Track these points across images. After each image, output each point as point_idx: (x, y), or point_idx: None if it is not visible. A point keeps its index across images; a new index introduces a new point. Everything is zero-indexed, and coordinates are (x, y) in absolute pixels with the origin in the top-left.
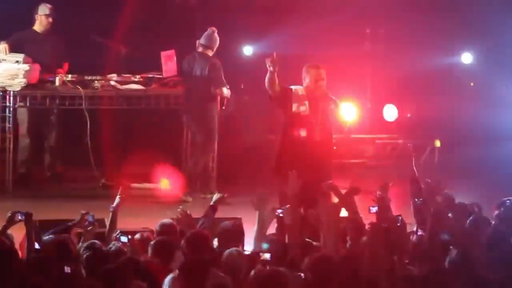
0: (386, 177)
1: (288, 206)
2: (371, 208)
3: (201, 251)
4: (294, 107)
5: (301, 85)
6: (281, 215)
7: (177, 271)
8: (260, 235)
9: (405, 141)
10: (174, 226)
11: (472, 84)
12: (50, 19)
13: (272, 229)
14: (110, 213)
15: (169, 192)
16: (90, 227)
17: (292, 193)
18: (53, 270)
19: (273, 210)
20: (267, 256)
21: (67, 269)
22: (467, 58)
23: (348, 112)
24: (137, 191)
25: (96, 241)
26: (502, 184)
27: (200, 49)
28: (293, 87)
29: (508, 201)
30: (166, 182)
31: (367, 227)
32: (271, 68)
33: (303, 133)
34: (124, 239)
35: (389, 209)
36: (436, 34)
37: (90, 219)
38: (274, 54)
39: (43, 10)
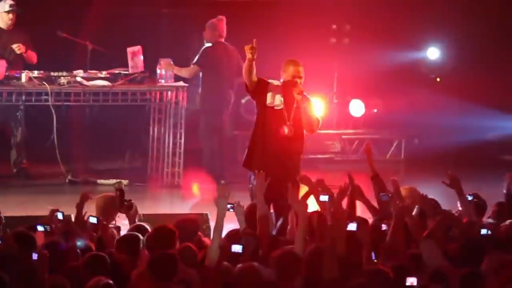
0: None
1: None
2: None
3: (165, 246)
4: (269, 100)
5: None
6: (231, 210)
7: (143, 267)
8: (217, 230)
9: (371, 136)
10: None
11: (438, 79)
12: (11, 16)
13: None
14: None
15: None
16: (59, 224)
17: (259, 192)
18: (15, 265)
19: (239, 205)
20: (238, 248)
21: (35, 256)
22: (433, 53)
23: (317, 108)
24: (103, 188)
25: (59, 238)
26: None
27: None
28: (270, 80)
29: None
30: (196, 187)
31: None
32: (250, 56)
33: (285, 130)
34: (93, 220)
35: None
36: (402, 29)
37: (59, 216)
38: (254, 41)
39: (3, 7)
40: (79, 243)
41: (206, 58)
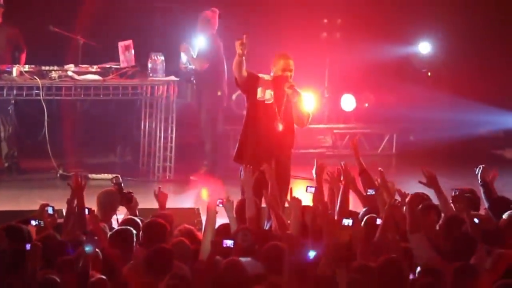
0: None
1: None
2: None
3: (157, 240)
4: (259, 94)
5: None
6: (220, 205)
7: (136, 262)
8: (209, 225)
9: (362, 131)
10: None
11: (429, 73)
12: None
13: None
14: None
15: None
16: (50, 219)
17: (247, 187)
18: (5, 258)
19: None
20: (230, 243)
21: (28, 247)
22: (424, 47)
23: (308, 102)
24: (95, 182)
25: (53, 232)
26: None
27: None
28: (260, 75)
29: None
30: (205, 193)
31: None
32: (240, 51)
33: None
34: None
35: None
36: (394, 23)
37: (50, 210)
38: (244, 36)
39: None
40: (87, 249)
41: (213, 52)
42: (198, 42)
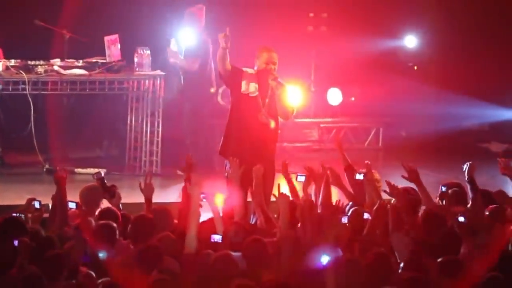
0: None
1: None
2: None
3: (145, 235)
4: (243, 87)
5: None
6: (204, 200)
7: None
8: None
9: (349, 125)
10: (114, 212)
11: (416, 67)
12: None
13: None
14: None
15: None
16: (36, 213)
17: (234, 179)
18: None
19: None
20: (218, 238)
21: (16, 243)
22: (410, 41)
23: (294, 95)
24: (81, 176)
25: (39, 227)
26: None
27: None
28: (244, 68)
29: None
30: (220, 198)
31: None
32: (224, 44)
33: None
34: (72, 205)
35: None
36: (380, 17)
37: (36, 205)
38: (227, 29)
39: None
40: (101, 255)
41: (201, 49)
42: (186, 39)
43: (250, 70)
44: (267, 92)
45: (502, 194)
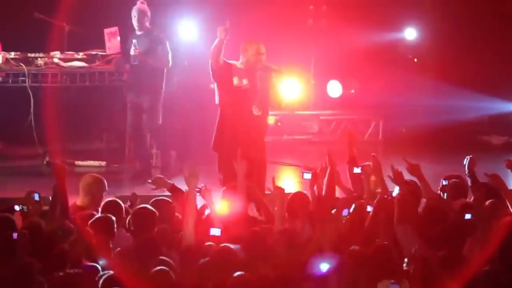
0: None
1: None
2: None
3: (146, 228)
4: (236, 81)
5: (236, 60)
6: (198, 194)
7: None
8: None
9: (349, 117)
10: (118, 204)
11: (416, 59)
12: None
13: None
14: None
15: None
16: (36, 205)
17: (241, 172)
18: None
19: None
20: (217, 232)
21: (15, 235)
22: (410, 33)
23: (291, 88)
24: (81, 169)
25: (38, 219)
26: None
27: None
28: (231, 61)
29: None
30: (225, 205)
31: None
32: (222, 36)
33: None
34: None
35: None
36: (380, 10)
37: (36, 197)
38: (227, 22)
39: None
40: (101, 262)
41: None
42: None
43: (238, 64)
44: (257, 84)
45: (497, 177)
